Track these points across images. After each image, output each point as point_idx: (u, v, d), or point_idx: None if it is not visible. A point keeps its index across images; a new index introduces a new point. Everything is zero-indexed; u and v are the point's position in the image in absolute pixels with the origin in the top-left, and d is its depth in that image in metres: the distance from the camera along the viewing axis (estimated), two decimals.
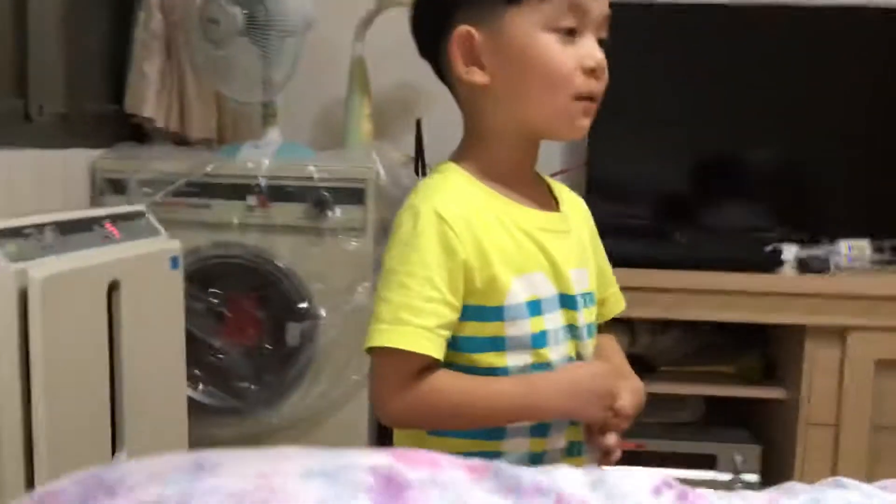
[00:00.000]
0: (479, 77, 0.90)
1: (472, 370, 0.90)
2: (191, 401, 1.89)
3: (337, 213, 1.85)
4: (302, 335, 1.88)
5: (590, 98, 0.91)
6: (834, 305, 1.86)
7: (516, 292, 0.89)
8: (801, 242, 2.20)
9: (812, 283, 1.89)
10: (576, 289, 0.94)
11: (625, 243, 2.02)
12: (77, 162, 1.88)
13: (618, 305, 1.09)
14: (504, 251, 0.89)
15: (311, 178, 1.85)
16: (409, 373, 0.86)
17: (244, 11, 1.96)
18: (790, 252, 2.06)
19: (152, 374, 1.44)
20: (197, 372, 1.91)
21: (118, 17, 2.14)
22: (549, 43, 0.88)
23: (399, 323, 0.85)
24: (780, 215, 2.24)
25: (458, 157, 0.96)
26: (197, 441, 1.88)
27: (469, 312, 0.88)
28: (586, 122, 0.92)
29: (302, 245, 1.86)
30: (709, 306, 1.89)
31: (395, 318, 0.85)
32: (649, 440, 2.00)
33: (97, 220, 1.35)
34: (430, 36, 0.93)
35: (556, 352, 0.93)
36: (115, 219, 1.40)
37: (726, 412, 2.11)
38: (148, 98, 2.11)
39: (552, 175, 2.26)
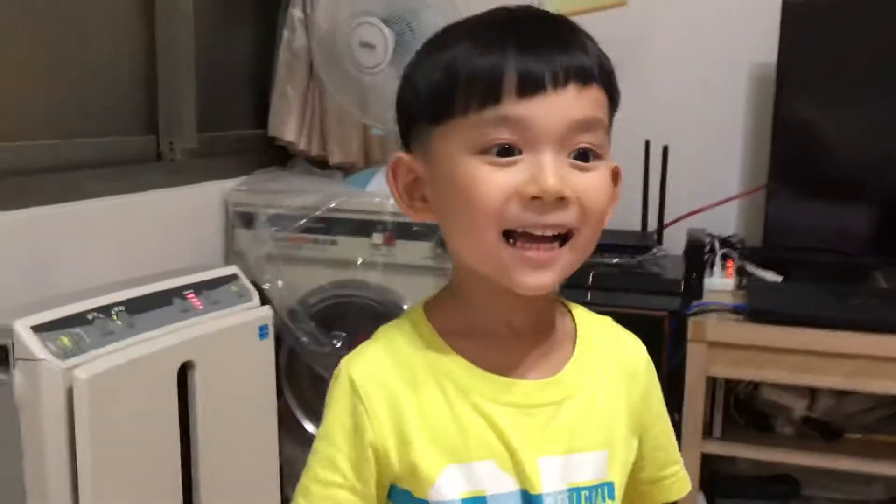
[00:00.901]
0: (418, 212, 0.74)
1: None
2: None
3: None
4: None
5: (538, 238, 0.66)
6: None
7: (446, 485, 0.69)
8: None
9: None
10: (548, 484, 0.70)
11: (804, 296, 1.73)
12: (212, 195, 1.87)
13: (678, 491, 0.84)
14: (438, 432, 0.70)
15: None
16: None
17: (396, 33, 1.84)
18: None
19: (237, 459, 1.37)
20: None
21: (261, 37, 2.10)
22: (474, 166, 0.66)
23: None
24: None
25: (435, 301, 0.77)
26: None
27: (397, 495, 0.72)
28: (538, 276, 0.67)
29: (428, 286, 1.70)
30: None
31: (294, 501, 0.73)
32: None
33: (177, 292, 1.30)
34: None
35: None
36: (199, 287, 1.34)
37: None
38: (290, 121, 2.06)
39: (725, 201, 2.02)
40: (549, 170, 0.65)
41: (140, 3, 1.71)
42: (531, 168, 0.65)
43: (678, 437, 1.64)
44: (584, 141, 0.67)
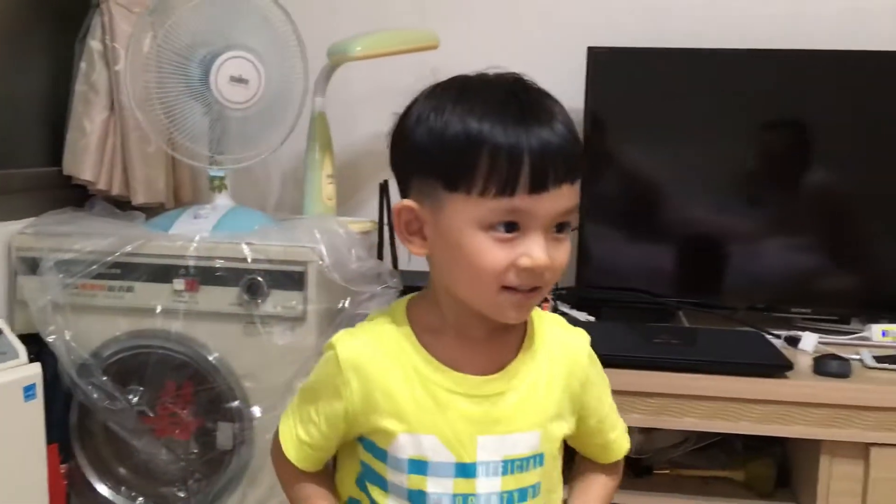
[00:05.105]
0: (417, 248, 0.90)
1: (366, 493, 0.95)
2: None
3: (272, 300, 1.62)
4: (234, 437, 1.66)
5: (525, 290, 0.86)
6: (855, 417, 1.55)
7: (402, 446, 0.90)
8: (828, 322, 1.90)
9: (830, 391, 1.57)
10: (483, 455, 0.90)
11: (612, 336, 1.75)
12: None
13: (618, 449, 1.07)
14: (399, 406, 0.90)
15: (244, 260, 1.63)
16: (283, 458, 0.98)
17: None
18: (809, 342, 1.75)
19: None
20: (121, 471, 1.72)
21: (56, 69, 1.96)
22: (481, 242, 0.84)
23: (287, 416, 0.99)
24: (802, 288, 1.94)
25: (416, 299, 0.96)
26: None
27: (366, 444, 0.93)
28: (520, 313, 0.89)
29: (234, 336, 1.64)
30: (704, 414, 1.60)
31: (287, 412, 1.00)
32: None
33: None
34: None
35: None
36: None
37: None
38: (87, 158, 1.91)
39: None
40: (541, 249, 0.84)
41: None
42: (525, 243, 0.84)
43: None
44: (565, 219, 0.87)
